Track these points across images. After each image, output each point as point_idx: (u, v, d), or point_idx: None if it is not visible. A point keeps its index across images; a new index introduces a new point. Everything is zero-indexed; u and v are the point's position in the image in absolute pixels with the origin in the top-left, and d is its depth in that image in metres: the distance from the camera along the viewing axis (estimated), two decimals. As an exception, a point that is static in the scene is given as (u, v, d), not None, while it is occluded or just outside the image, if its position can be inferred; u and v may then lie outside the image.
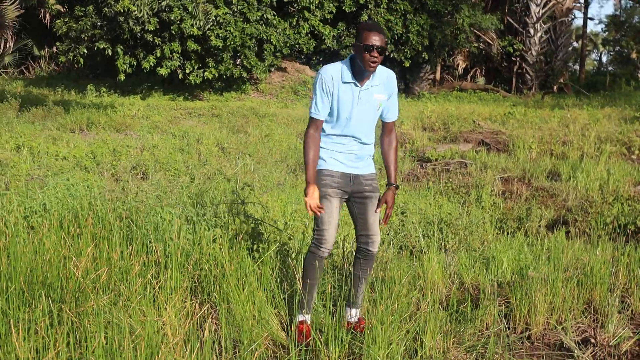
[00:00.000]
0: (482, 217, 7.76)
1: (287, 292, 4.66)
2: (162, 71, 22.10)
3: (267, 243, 5.42)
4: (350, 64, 4.28)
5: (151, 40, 21.87)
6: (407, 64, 27.00)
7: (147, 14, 19.21)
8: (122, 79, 22.63)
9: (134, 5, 19.73)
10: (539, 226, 7.78)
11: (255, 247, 5.12)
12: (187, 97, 22.96)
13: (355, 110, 4.29)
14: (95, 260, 4.52)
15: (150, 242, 4.87)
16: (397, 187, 4.58)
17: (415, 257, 6.10)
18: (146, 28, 21.31)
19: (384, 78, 4.39)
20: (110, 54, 22.31)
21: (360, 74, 4.26)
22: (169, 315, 3.93)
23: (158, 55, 22.05)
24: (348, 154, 4.36)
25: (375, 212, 4.45)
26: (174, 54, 22.17)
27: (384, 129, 4.57)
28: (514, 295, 4.84)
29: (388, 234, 6.74)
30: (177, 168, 9.79)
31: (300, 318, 4.33)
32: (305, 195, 4.23)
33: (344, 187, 4.36)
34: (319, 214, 4.23)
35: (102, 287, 4.21)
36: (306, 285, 4.29)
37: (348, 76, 4.25)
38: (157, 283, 4.31)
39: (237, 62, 22.77)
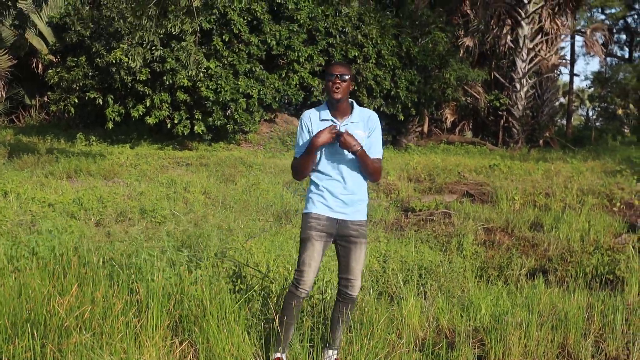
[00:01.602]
0: (463, 265, 7.87)
1: (265, 332, 4.75)
2: (151, 120, 22.29)
3: (248, 285, 5.52)
4: (327, 106, 4.55)
5: (142, 90, 22.13)
6: (401, 117, 27.31)
7: (139, 64, 19.50)
8: (111, 128, 22.80)
9: (126, 57, 20.05)
10: (519, 274, 7.89)
11: (237, 288, 5.22)
12: (175, 147, 23.13)
13: (333, 148, 4.48)
14: (79, 299, 4.61)
15: (133, 282, 4.96)
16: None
17: (395, 302, 6.18)
18: (138, 78, 21.59)
19: (365, 117, 4.60)
20: (100, 103, 22.54)
21: (336, 110, 4.52)
22: (149, 353, 4.01)
23: (147, 104, 22.29)
24: (336, 199, 4.49)
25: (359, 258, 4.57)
26: (164, 104, 22.42)
27: (366, 165, 4.66)
28: (489, 338, 4.93)
29: (369, 279, 6.83)
30: (164, 215, 9.89)
31: (276, 355, 4.41)
32: (317, 138, 4.39)
33: (330, 229, 4.49)
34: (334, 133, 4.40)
35: (85, 325, 4.29)
36: (283, 323, 4.40)
37: (326, 114, 4.53)
38: (138, 321, 4.40)
39: (227, 114, 23.00)
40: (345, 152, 4.46)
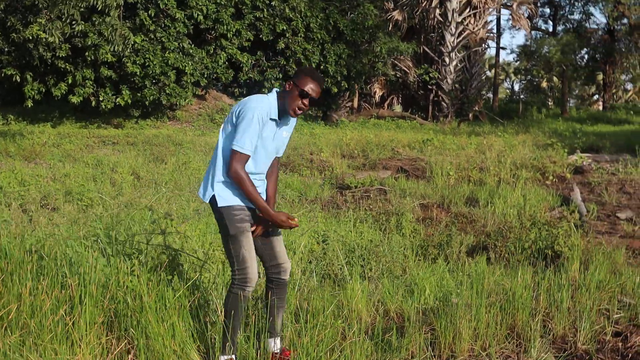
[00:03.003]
0: (403, 244, 7.75)
1: (209, 324, 4.48)
2: (74, 99, 21.48)
3: (187, 274, 5.23)
4: (278, 104, 4.22)
5: (62, 66, 21.27)
6: (334, 90, 27.13)
7: (58, 39, 18.60)
8: (30, 106, 21.86)
9: (43, 32, 19.12)
10: (459, 252, 7.81)
11: (175, 278, 4.92)
12: (101, 125, 22.40)
13: (269, 145, 4.24)
14: (3, 297, 4.24)
15: (64, 276, 4.60)
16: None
17: (339, 285, 6.00)
18: (57, 54, 20.73)
19: (293, 120, 4.40)
20: (18, 80, 21.56)
21: (281, 113, 4.22)
22: (83, 353, 3.70)
23: (70, 82, 21.45)
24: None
25: (278, 236, 4.38)
26: (87, 80, 21.62)
27: (272, 163, 4.46)
28: (438, 323, 4.79)
29: (310, 263, 6.63)
30: (91, 197, 9.43)
31: (225, 357, 4.12)
32: (274, 219, 4.15)
33: (251, 220, 4.23)
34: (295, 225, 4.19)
35: (10, 325, 3.94)
36: (231, 326, 4.11)
37: (274, 113, 4.20)
38: (70, 319, 4.06)
39: (158, 87, 22.33)
40: (275, 148, 4.31)
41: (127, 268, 4.61)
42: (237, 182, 4.06)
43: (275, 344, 4.38)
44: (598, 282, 5.96)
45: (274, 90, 4.29)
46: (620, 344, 5.05)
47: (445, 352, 4.68)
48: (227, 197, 4.12)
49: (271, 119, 4.17)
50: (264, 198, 4.36)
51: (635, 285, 6.13)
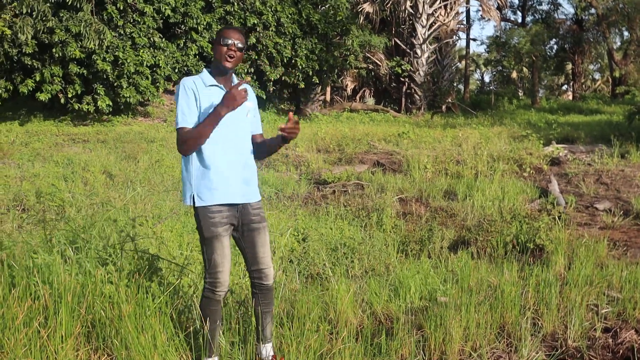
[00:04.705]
0: (385, 240, 7.63)
1: (190, 331, 4.29)
2: (42, 96, 21.03)
3: (167, 279, 5.03)
4: (210, 73, 4.09)
5: (29, 63, 20.82)
6: (302, 86, 26.97)
7: (29, 37, 18.13)
8: (-2, 104, 21.41)
9: (9, 29, 18.65)
10: (441, 247, 7.71)
11: (154, 284, 4.72)
12: (70, 123, 21.98)
13: (232, 118, 4.01)
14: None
15: (36, 284, 4.37)
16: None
17: (322, 285, 5.85)
18: (24, 51, 20.27)
19: (245, 87, 4.13)
20: (-16, 78, 21.09)
21: (221, 77, 4.07)
22: (59, 368, 3.50)
23: (37, 79, 21.00)
24: (235, 178, 4.01)
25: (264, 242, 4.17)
26: (55, 77, 21.18)
27: (254, 140, 4.27)
28: (428, 324, 4.66)
29: (292, 262, 6.47)
30: (62, 198, 9.16)
31: None
32: (228, 96, 3.86)
33: (232, 220, 4.02)
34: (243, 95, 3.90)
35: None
36: (209, 330, 3.96)
37: (210, 80, 4.04)
38: (45, 331, 3.85)
39: (125, 86, 21.97)
40: (237, 116, 4.04)
41: (103, 275, 4.40)
42: (186, 145, 3.88)
43: (266, 350, 4.21)
44: (585, 277, 5.88)
45: (204, 68, 4.16)
46: (610, 340, 4.96)
47: (435, 354, 4.54)
48: (204, 197, 3.92)
49: (209, 86, 4.02)
50: (255, 189, 4.16)
51: (622, 279, 6.06)
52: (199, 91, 3.94)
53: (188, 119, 3.89)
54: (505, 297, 5.18)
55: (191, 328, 4.31)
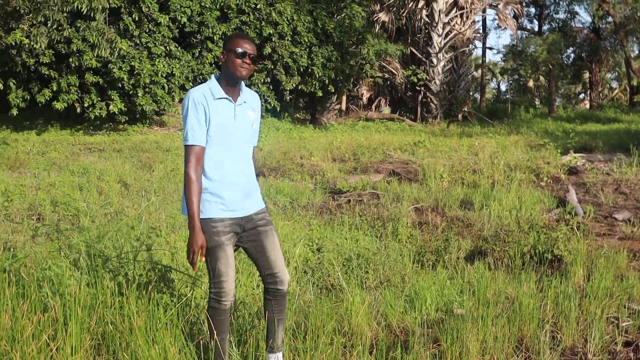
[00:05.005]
0: (400, 250, 7.54)
1: (201, 344, 4.22)
2: (59, 105, 21.13)
3: (179, 290, 4.97)
4: (219, 81, 3.98)
5: (47, 73, 20.94)
6: (319, 94, 26.93)
7: (43, 45, 18.22)
8: (15, 114, 21.51)
9: (27, 38, 18.77)
10: (458, 258, 7.60)
11: (165, 297, 4.65)
12: (86, 132, 22.07)
13: (234, 129, 3.94)
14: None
15: (46, 297, 4.31)
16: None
17: (336, 296, 5.77)
18: (41, 61, 20.39)
19: (252, 96, 4.13)
20: (1, 88, 21.19)
21: (231, 87, 3.97)
22: (67, 382, 3.44)
23: (54, 88, 21.11)
24: (235, 192, 3.95)
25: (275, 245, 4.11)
26: (72, 87, 21.28)
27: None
28: (444, 337, 4.57)
29: (306, 273, 6.39)
30: (77, 207, 9.15)
31: None
32: (191, 241, 3.81)
33: (236, 228, 3.97)
34: (200, 262, 3.86)
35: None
36: (217, 341, 3.90)
37: (219, 92, 3.93)
38: (54, 344, 3.79)
39: (141, 94, 22.03)
40: (244, 130, 4.01)
41: (114, 286, 4.34)
42: (185, 181, 3.83)
43: (279, 358, 4.15)
44: (605, 289, 5.77)
45: (212, 75, 4.04)
46: (632, 354, 4.86)
47: (452, 369, 4.45)
48: (204, 209, 3.87)
49: (218, 98, 3.91)
50: (257, 199, 4.10)
51: (643, 291, 5.94)
52: (208, 104, 3.87)
53: (198, 135, 3.83)
54: (523, 310, 5.08)
55: (202, 340, 4.24)
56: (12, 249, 6.08)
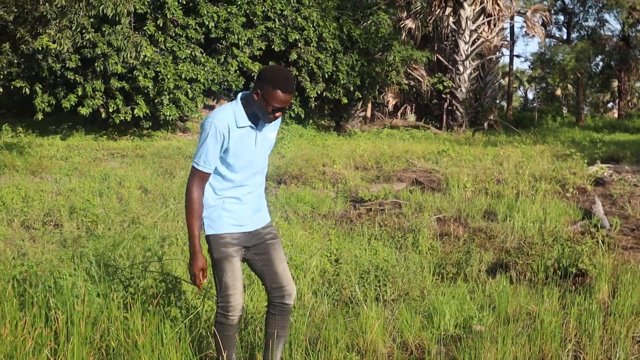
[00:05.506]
0: (420, 262, 7.37)
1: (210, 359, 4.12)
2: (84, 110, 21.25)
3: (188, 303, 4.85)
4: (243, 106, 3.81)
5: (72, 78, 21.06)
6: (344, 101, 26.83)
7: (68, 49, 18.31)
8: (40, 119, 21.66)
9: (53, 43, 18.89)
10: (479, 271, 7.42)
11: (174, 310, 4.54)
12: (110, 137, 22.15)
13: (253, 156, 3.86)
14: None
15: (49, 308, 4.21)
16: None
17: (352, 309, 5.63)
18: (67, 65, 20.51)
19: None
20: (28, 92, 21.37)
21: (255, 118, 3.82)
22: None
23: (79, 93, 21.22)
24: (244, 210, 3.87)
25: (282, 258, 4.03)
26: (97, 92, 21.39)
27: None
28: (461, 357, 4.41)
29: (323, 285, 6.26)
30: (95, 214, 9.09)
31: None
32: (192, 265, 3.76)
33: (243, 242, 3.88)
34: (205, 283, 3.82)
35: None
36: (225, 357, 3.79)
37: (243, 120, 3.79)
38: (54, 359, 3.68)
39: (166, 102, 22.09)
40: (263, 155, 3.95)
41: (119, 300, 4.22)
42: (186, 201, 3.76)
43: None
44: (631, 307, 5.57)
45: (238, 96, 3.88)
46: (657, 375, 4.67)
47: (469, 389, 4.29)
48: (214, 226, 3.80)
49: (239, 127, 3.77)
50: (264, 213, 4.03)
51: (671, 309, 5.72)
52: (229, 134, 3.74)
53: (211, 163, 3.75)
54: (545, 328, 4.91)
55: (210, 356, 4.12)
56: (24, 256, 6.02)
